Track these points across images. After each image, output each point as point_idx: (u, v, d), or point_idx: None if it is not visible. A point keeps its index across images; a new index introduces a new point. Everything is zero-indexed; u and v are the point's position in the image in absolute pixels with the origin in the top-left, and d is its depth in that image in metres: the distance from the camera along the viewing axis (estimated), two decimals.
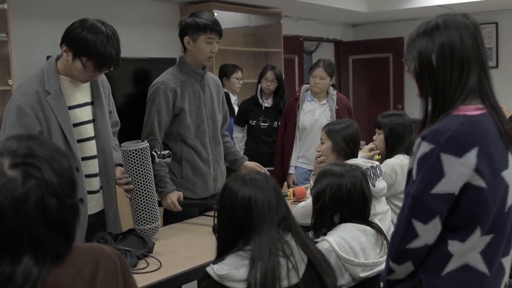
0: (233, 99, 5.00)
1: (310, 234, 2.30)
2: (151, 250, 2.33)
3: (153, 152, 2.59)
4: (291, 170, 4.35)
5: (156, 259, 2.26)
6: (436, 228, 1.44)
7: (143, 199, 2.47)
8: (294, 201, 3.26)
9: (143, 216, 2.48)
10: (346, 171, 2.15)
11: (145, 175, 2.45)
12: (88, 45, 2.23)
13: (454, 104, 1.49)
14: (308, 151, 4.24)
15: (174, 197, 2.84)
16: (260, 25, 6.68)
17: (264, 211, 1.64)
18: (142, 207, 2.47)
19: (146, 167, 2.46)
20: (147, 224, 2.49)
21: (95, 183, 2.47)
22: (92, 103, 2.46)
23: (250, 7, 6.29)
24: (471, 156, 1.40)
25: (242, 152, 4.73)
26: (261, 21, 6.67)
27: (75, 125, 2.37)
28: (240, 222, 1.65)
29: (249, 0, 5.98)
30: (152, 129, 2.86)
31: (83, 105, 2.42)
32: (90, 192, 2.43)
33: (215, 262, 1.66)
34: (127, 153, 2.43)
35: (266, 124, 4.60)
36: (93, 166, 2.46)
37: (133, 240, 2.41)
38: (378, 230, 2.14)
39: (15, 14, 4.24)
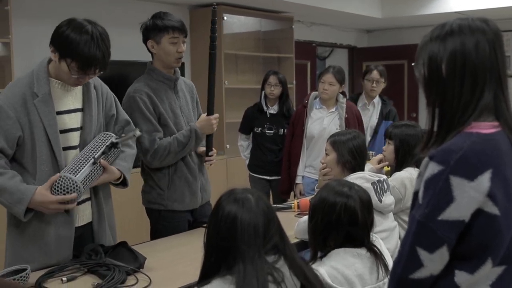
0: None
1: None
2: (142, 265, 2.21)
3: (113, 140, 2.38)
4: (298, 180, 4.21)
5: (146, 275, 2.13)
6: (443, 258, 1.30)
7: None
8: (298, 214, 3.12)
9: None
10: (343, 192, 1.99)
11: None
12: (72, 45, 2.11)
13: (466, 121, 1.33)
14: (316, 160, 4.09)
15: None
16: (272, 29, 6.56)
17: (249, 237, 1.52)
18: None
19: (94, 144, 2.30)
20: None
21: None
22: (82, 110, 2.33)
23: (261, 11, 6.17)
24: (484, 180, 1.25)
25: (247, 161, 4.64)
26: (273, 26, 6.55)
27: (62, 131, 2.25)
28: (223, 242, 1.54)
29: (260, 4, 5.86)
30: (152, 137, 2.72)
31: (72, 111, 2.30)
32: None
33: (199, 284, 1.54)
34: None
35: (272, 132, 4.46)
36: None
37: (124, 253, 2.30)
38: (375, 253, 1.98)
39: (17, 16, 4.17)
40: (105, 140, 2.34)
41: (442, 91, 1.37)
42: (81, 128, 2.33)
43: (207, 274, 1.57)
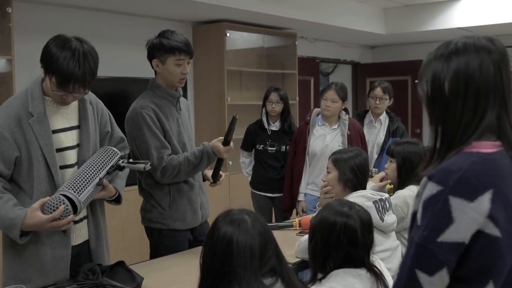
0: None
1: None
2: (139, 286, 2.18)
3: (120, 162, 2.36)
4: (301, 197, 4.17)
5: None
6: (443, 281, 1.26)
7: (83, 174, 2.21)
8: (300, 232, 3.08)
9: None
10: (344, 212, 1.96)
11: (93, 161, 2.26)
12: (52, 60, 2.08)
13: (466, 140, 1.30)
14: (318, 178, 4.05)
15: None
16: (275, 46, 6.56)
17: (245, 259, 1.49)
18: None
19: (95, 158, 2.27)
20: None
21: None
22: (78, 127, 2.31)
23: (264, 27, 6.18)
24: (484, 200, 1.22)
25: (249, 178, 4.61)
26: (276, 42, 6.56)
27: (59, 150, 2.22)
28: (219, 265, 1.51)
29: (263, 20, 5.87)
30: (160, 154, 2.68)
31: (68, 129, 2.27)
32: (73, 222, 2.26)
33: None
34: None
35: (274, 149, 4.43)
36: None
37: (122, 273, 2.27)
38: (375, 273, 1.95)
39: (20, 33, 4.18)
40: (109, 158, 2.31)
41: (444, 110, 1.34)
42: (78, 146, 2.30)
43: None
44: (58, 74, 2.08)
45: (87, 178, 2.20)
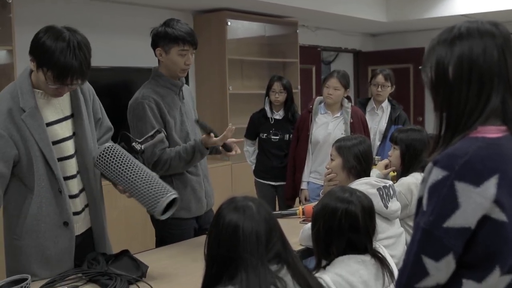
0: None
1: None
2: (144, 274, 2.18)
3: (133, 144, 2.37)
4: (303, 186, 4.17)
5: (148, 284, 2.11)
6: (449, 266, 1.26)
7: (140, 184, 2.22)
8: (303, 220, 3.08)
9: (151, 198, 2.22)
10: (345, 198, 1.96)
11: (126, 167, 2.23)
12: (47, 53, 2.01)
13: (471, 125, 1.30)
14: (321, 166, 4.05)
15: None
16: (276, 34, 6.55)
17: (252, 245, 1.48)
18: (144, 191, 2.22)
19: (122, 160, 2.23)
20: (159, 200, 2.21)
21: (79, 203, 2.30)
22: (72, 116, 2.27)
23: (266, 16, 6.15)
24: (490, 185, 1.21)
25: (253, 166, 4.62)
26: (277, 31, 6.54)
27: (56, 142, 2.19)
28: (225, 252, 1.51)
29: (264, 9, 5.84)
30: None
31: (63, 119, 2.23)
32: (74, 213, 2.27)
33: None
34: (96, 164, 2.25)
35: (277, 137, 4.42)
36: (75, 186, 2.28)
37: (126, 262, 2.27)
38: (380, 259, 1.95)
39: (20, 23, 4.16)
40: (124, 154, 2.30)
41: (449, 95, 1.33)
42: (74, 135, 2.27)
43: (209, 284, 1.54)
44: (55, 67, 2.02)
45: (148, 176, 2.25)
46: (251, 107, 5.22)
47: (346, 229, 1.91)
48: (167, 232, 2.80)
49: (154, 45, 2.75)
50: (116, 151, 2.25)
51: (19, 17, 4.13)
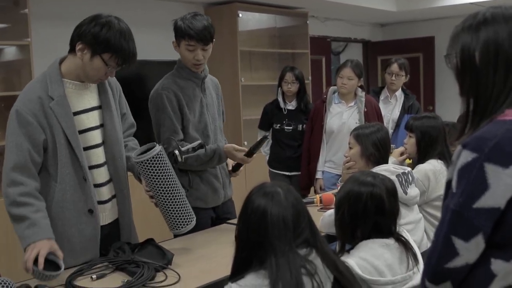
0: None
1: (336, 245, 2.16)
2: (170, 262, 2.22)
3: (175, 152, 2.43)
4: (318, 175, 4.21)
5: (175, 271, 2.15)
6: (478, 246, 1.29)
7: (173, 204, 2.31)
8: (321, 208, 3.12)
9: (178, 221, 2.33)
10: (368, 182, 1.98)
11: (167, 181, 2.28)
12: (112, 40, 2.14)
13: (498, 108, 1.32)
14: (336, 155, 4.09)
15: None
16: (286, 26, 6.56)
17: (279, 231, 1.52)
18: (174, 212, 2.32)
19: (166, 172, 2.28)
20: (183, 227, 2.35)
21: (105, 192, 2.35)
22: (99, 107, 2.33)
23: (276, 7, 6.17)
24: None
25: (267, 157, 4.65)
26: (287, 22, 6.55)
27: (82, 131, 2.25)
28: (254, 237, 1.55)
29: (275, 0, 5.85)
30: (169, 138, 2.70)
31: (89, 109, 2.29)
32: (100, 202, 2.31)
33: (233, 279, 1.55)
34: (141, 164, 2.25)
35: (291, 128, 4.45)
36: (101, 175, 2.33)
37: (152, 251, 2.31)
38: (404, 243, 1.98)
39: (36, 18, 4.20)
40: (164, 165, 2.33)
41: (476, 80, 1.36)
42: (101, 126, 2.33)
43: (239, 269, 1.57)
44: (120, 53, 2.16)
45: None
46: (262, 98, 5.25)
47: (372, 212, 1.94)
48: None
49: (175, 37, 2.79)
50: (162, 161, 2.28)
51: (35, 13, 4.17)
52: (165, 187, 2.29)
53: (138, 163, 2.26)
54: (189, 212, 2.36)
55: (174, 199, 2.31)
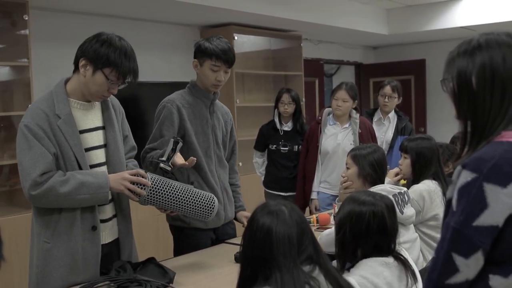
0: None
1: (334, 263, 2.20)
2: (172, 280, 2.25)
3: (160, 165, 2.46)
4: (314, 195, 4.25)
5: None
6: (478, 263, 1.34)
7: (190, 207, 2.41)
8: (318, 228, 3.16)
9: (202, 213, 2.45)
10: (368, 201, 2.04)
11: (174, 194, 2.36)
12: (112, 56, 2.21)
13: (495, 130, 1.39)
14: (331, 176, 4.15)
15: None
16: (281, 48, 6.65)
17: (284, 248, 1.56)
18: (194, 210, 2.43)
19: (167, 188, 2.35)
20: (210, 214, 2.48)
21: (107, 211, 2.38)
22: (103, 128, 2.39)
23: (271, 30, 6.27)
24: None
25: (263, 178, 4.69)
26: (282, 44, 6.65)
27: (86, 150, 2.29)
28: (259, 254, 1.58)
29: (269, 23, 5.96)
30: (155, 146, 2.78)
31: (94, 129, 2.34)
32: (102, 221, 2.35)
33: None
34: (148, 201, 2.35)
35: (286, 149, 4.50)
36: None
37: (153, 269, 2.34)
38: (402, 261, 2.03)
39: (36, 39, 4.25)
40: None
41: (473, 104, 1.42)
42: (104, 146, 2.37)
43: (245, 285, 1.60)
44: (120, 67, 2.22)
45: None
46: (257, 119, 5.31)
47: (374, 230, 1.98)
48: (184, 242, 2.87)
49: (194, 56, 2.85)
50: (158, 184, 2.34)
51: (35, 33, 4.22)
52: (175, 200, 2.36)
53: (146, 202, 2.35)
54: (204, 199, 2.44)
55: (189, 203, 2.40)
